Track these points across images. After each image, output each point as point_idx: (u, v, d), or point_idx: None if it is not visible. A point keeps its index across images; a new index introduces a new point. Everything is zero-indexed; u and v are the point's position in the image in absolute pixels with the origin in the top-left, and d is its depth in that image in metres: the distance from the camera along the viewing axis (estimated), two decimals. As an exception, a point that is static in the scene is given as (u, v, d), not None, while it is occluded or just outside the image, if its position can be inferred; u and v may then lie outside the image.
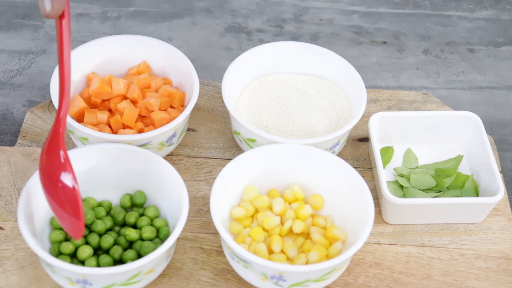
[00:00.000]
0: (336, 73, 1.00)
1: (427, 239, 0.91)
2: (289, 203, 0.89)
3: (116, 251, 0.83)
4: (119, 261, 0.83)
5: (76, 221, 0.77)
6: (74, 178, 0.76)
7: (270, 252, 0.85)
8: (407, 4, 1.24)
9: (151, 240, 0.85)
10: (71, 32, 1.15)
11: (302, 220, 0.87)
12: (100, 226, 0.84)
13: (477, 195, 0.93)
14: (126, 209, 0.89)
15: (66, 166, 0.76)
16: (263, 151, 0.88)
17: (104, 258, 0.82)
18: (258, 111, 0.96)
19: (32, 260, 0.86)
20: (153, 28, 1.17)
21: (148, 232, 0.85)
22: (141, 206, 0.89)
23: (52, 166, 0.76)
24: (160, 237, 0.85)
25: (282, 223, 0.87)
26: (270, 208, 0.88)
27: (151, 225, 0.86)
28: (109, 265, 0.82)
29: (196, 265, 0.87)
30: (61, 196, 0.77)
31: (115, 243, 0.85)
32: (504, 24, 1.21)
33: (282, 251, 0.85)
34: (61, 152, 0.76)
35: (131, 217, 0.86)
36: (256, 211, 0.88)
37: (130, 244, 0.85)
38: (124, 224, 0.87)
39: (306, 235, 0.87)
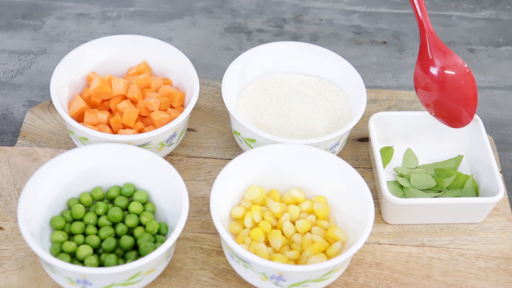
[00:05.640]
0: (336, 73, 1.00)
1: (427, 239, 0.91)
2: (287, 204, 0.89)
3: (115, 247, 0.83)
4: (121, 257, 0.84)
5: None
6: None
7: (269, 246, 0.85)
8: (407, 4, 1.24)
9: (150, 233, 0.85)
10: (71, 32, 1.15)
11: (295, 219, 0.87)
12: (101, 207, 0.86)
13: (477, 195, 0.93)
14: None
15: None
16: (263, 151, 0.88)
17: (108, 258, 0.82)
18: (258, 111, 0.96)
19: (32, 260, 0.86)
20: (153, 28, 1.17)
21: (137, 209, 0.85)
22: (130, 195, 0.89)
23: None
24: (162, 232, 0.85)
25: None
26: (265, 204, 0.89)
27: (143, 208, 0.87)
28: (112, 264, 0.82)
29: (196, 265, 0.87)
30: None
31: (116, 235, 0.85)
32: (504, 24, 1.21)
33: (282, 251, 0.85)
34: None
35: (120, 200, 0.87)
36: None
37: (130, 231, 0.85)
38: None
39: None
